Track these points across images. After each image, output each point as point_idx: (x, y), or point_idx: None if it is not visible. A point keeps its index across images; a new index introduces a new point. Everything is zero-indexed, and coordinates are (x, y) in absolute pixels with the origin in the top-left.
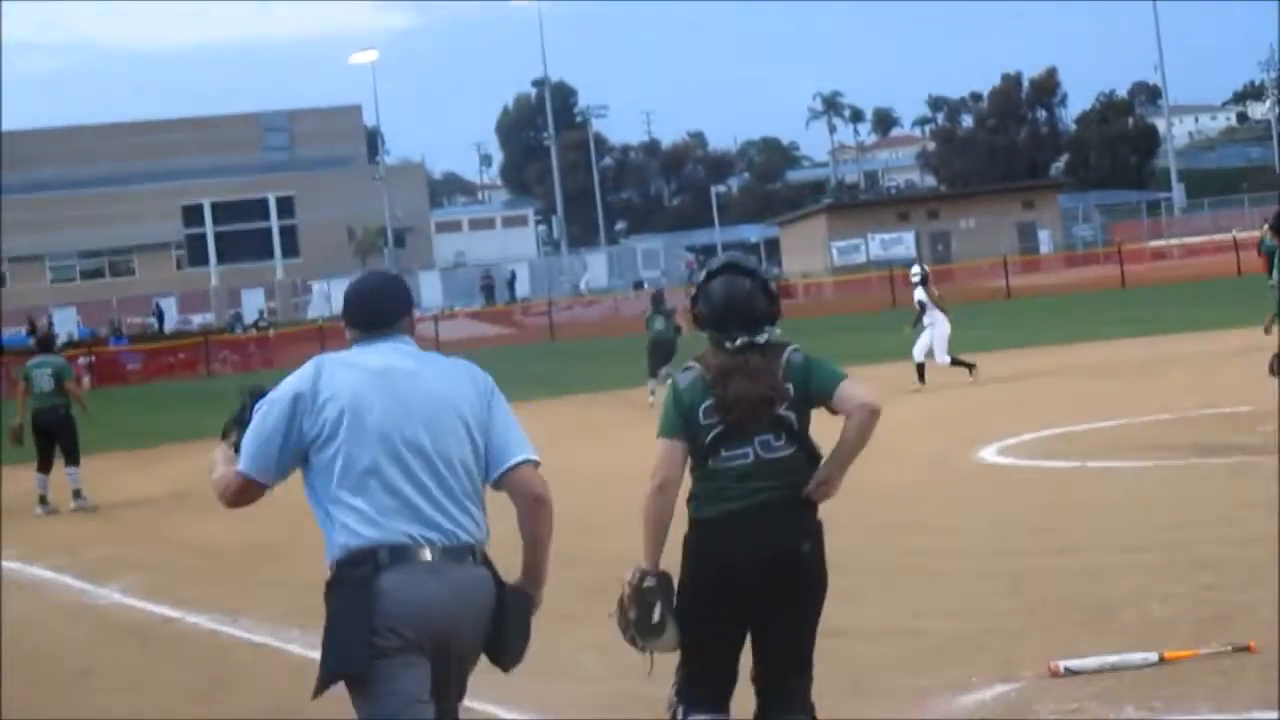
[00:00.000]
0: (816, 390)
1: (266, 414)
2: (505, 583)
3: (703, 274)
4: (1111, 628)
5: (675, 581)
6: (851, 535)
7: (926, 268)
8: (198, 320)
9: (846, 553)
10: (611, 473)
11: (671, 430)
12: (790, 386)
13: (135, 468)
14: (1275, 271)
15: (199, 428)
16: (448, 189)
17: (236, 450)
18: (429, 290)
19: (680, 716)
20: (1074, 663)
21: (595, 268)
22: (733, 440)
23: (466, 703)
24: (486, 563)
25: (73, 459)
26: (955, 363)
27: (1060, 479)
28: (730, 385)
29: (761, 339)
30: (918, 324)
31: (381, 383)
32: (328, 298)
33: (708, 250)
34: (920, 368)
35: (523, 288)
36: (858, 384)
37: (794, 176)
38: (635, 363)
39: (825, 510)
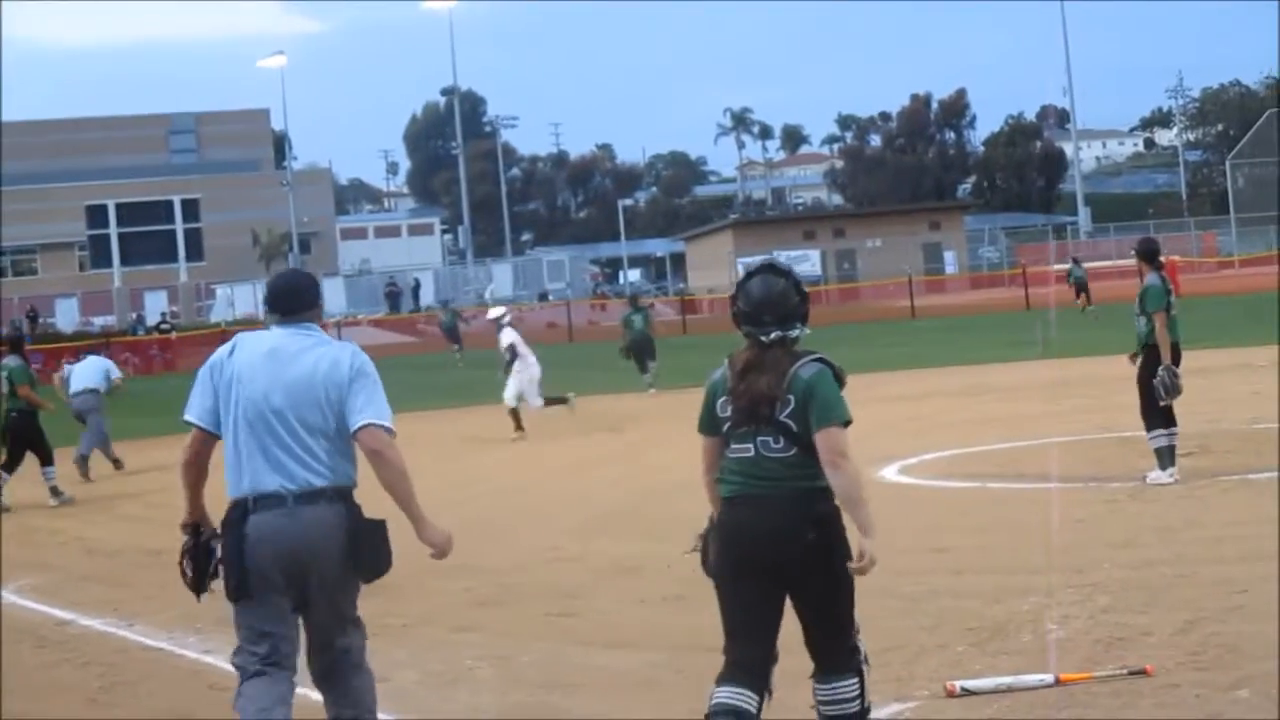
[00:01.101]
0: (811, 417)
1: (201, 377)
2: (363, 516)
3: (743, 275)
4: (1008, 648)
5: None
6: None
7: (508, 311)
8: (100, 322)
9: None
10: (514, 483)
11: (701, 426)
12: (791, 398)
13: (30, 470)
14: (1139, 303)
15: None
16: (354, 195)
17: None
18: (333, 296)
19: (710, 693)
20: (970, 683)
21: (501, 278)
22: (740, 433)
23: None
24: (344, 501)
25: (46, 459)
26: (549, 402)
27: (959, 499)
28: (744, 379)
29: (794, 333)
30: (507, 369)
31: (264, 361)
32: (231, 302)
33: (613, 263)
34: (514, 413)
35: (427, 296)
36: (837, 439)
37: (702, 192)
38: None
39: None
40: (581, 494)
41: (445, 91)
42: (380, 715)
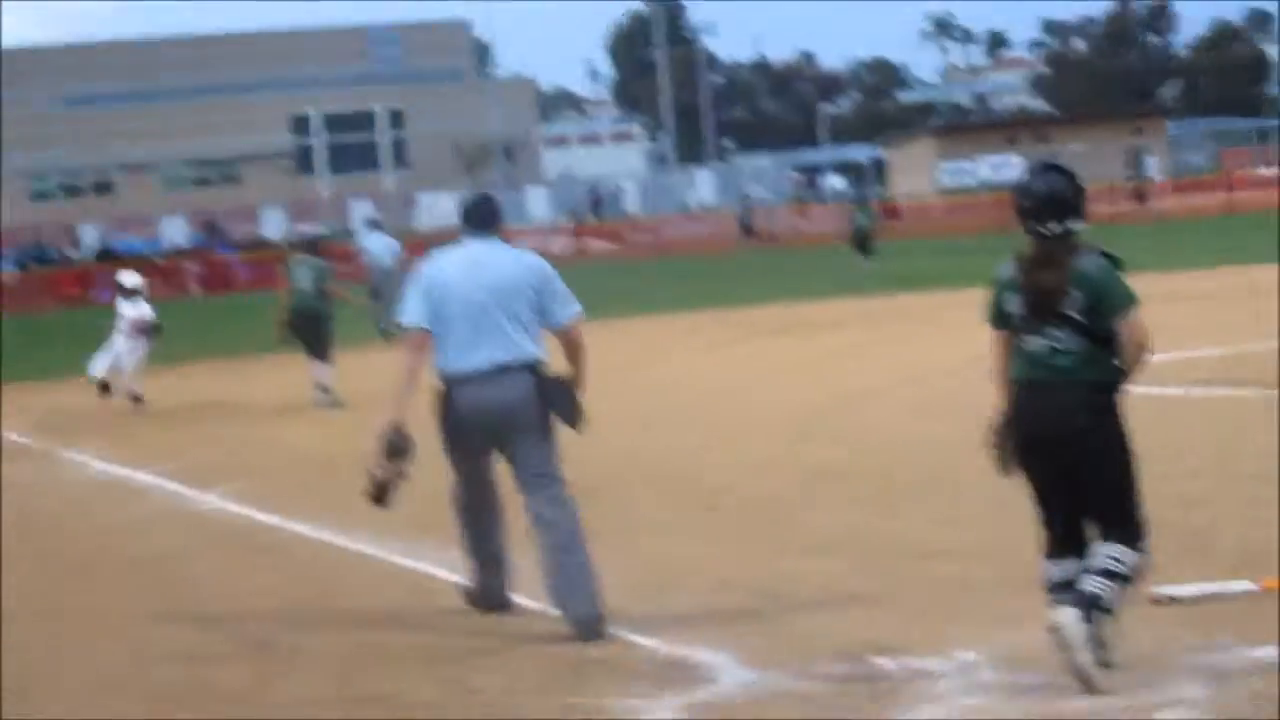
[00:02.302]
0: (1104, 310)
1: (415, 288)
2: (550, 379)
3: (1026, 174)
4: (1210, 555)
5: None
6: (955, 454)
7: (139, 279)
8: (307, 230)
9: (945, 471)
10: (715, 389)
11: (991, 320)
12: (1079, 294)
13: (241, 376)
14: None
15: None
16: (557, 104)
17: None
18: (536, 205)
19: (1041, 569)
20: (1174, 590)
21: (703, 185)
22: (1030, 328)
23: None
24: (534, 372)
25: (323, 357)
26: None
27: (1162, 406)
28: (1031, 274)
29: (1075, 227)
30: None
31: (465, 266)
32: (435, 210)
33: (814, 169)
34: (105, 385)
35: (630, 204)
36: (1136, 322)
37: (903, 97)
38: (739, 280)
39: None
40: (778, 401)
41: None
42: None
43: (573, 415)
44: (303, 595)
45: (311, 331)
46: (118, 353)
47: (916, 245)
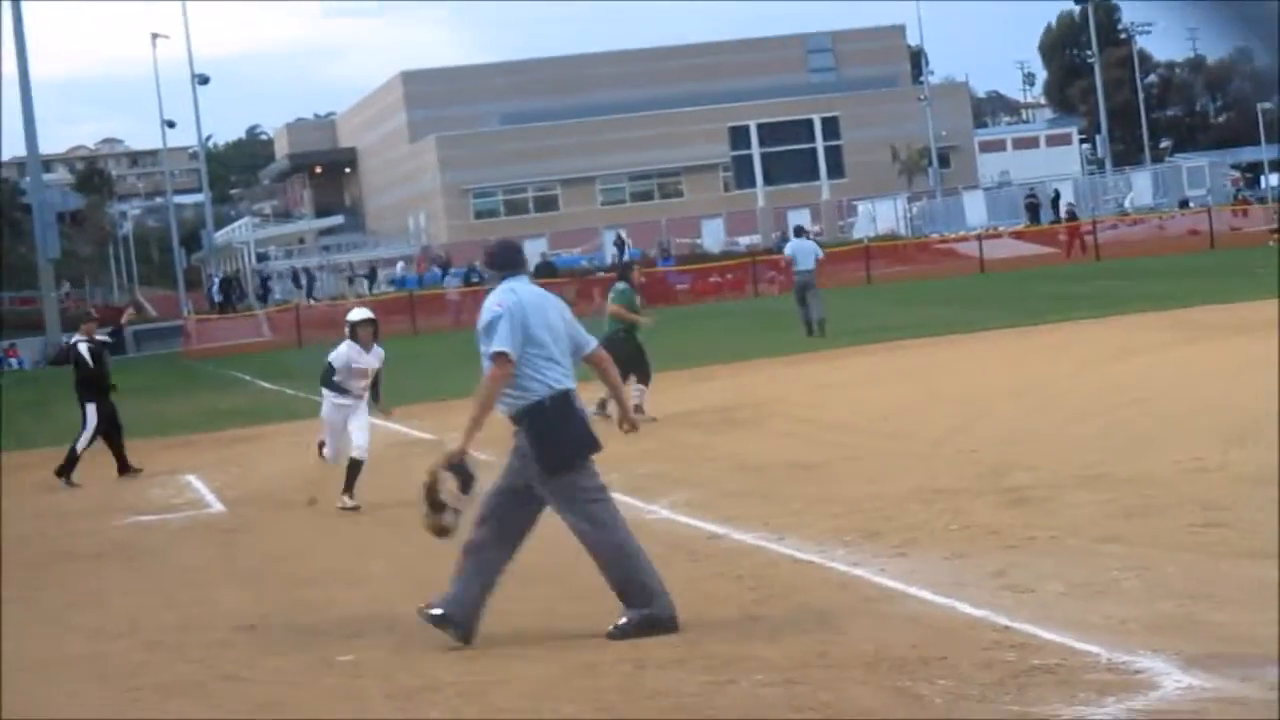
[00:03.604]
0: None
1: (508, 319)
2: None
3: None
4: None
5: None
6: None
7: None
8: (745, 241)
9: None
10: (1155, 391)
11: None
12: None
13: (683, 386)
14: None
15: (746, 348)
16: (991, 108)
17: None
18: (973, 210)
19: None
20: None
21: (1140, 186)
22: None
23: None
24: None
25: (641, 378)
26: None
27: None
28: None
29: None
30: None
31: (540, 302)
32: (873, 218)
33: (1253, 168)
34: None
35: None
36: None
37: None
38: (1181, 281)
39: None
40: (1224, 401)
41: (1078, 0)
42: (1024, 625)
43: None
44: (747, 603)
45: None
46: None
47: None
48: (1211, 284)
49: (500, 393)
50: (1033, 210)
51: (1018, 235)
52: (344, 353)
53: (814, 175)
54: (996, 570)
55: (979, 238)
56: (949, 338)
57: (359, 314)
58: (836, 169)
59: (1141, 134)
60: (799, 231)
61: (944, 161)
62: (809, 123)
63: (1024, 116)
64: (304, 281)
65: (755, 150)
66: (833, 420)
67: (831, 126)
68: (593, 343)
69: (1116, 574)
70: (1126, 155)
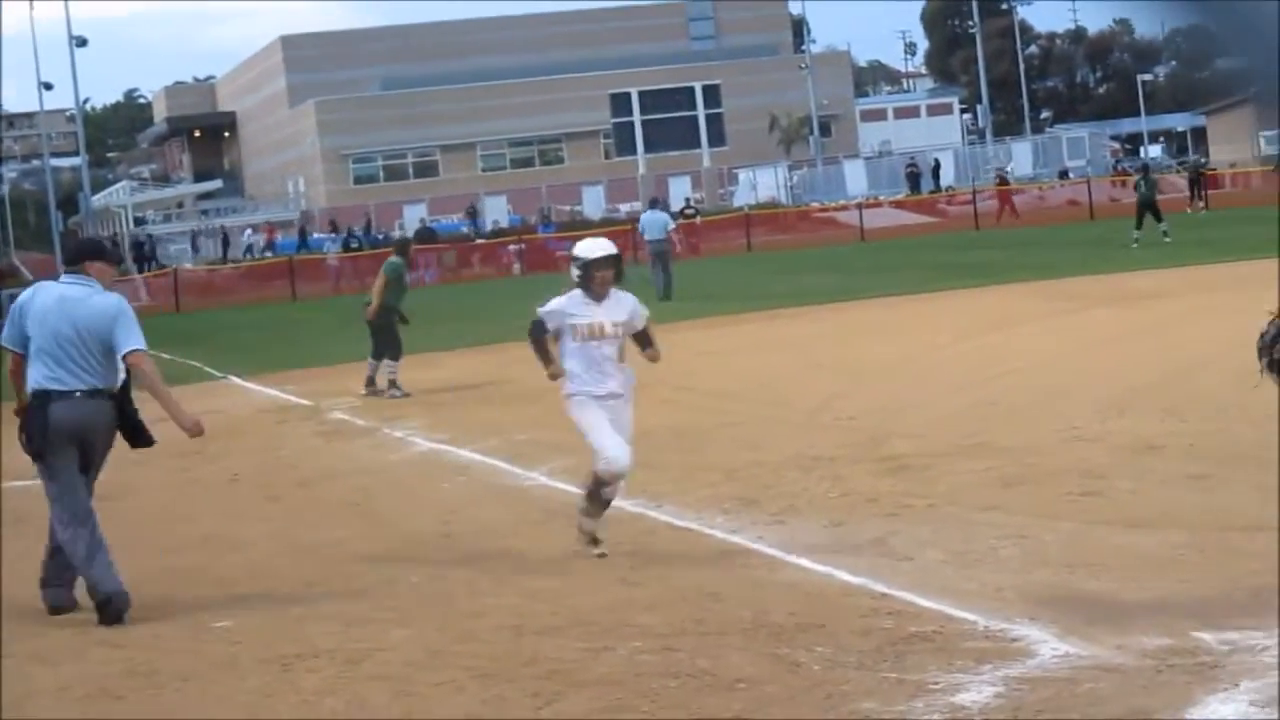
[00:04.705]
0: None
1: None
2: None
3: None
4: None
5: None
6: None
7: None
8: (625, 208)
9: (1272, 448)
10: (1034, 362)
11: None
12: None
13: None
14: None
15: None
16: (872, 77)
17: None
18: (853, 179)
19: None
20: None
21: (1020, 156)
22: None
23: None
24: (112, 397)
25: (382, 354)
26: None
27: None
28: None
29: None
30: None
31: (56, 303)
32: (754, 186)
33: (1133, 139)
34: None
35: (947, 176)
36: None
37: (1223, 65)
38: (1061, 252)
39: None
40: (1102, 372)
41: None
42: (902, 593)
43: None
44: (625, 570)
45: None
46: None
47: (1236, 215)
48: (1090, 254)
49: (21, 384)
50: (913, 179)
51: (898, 204)
52: (558, 304)
53: (695, 143)
54: (875, 538)
55: (859, 206)
56: (829, 306)
57: (595, 247)
58: (718, 137)
59: (1022, 104)
60: (653, 203)
61: (825, 130)
62: (690, 90)
63: (905, 86)
64: (207, 246)
65: (637, 117)
66: (712, 388)
67: (713, 94)
68: (129, 346)
69: (994, 542)
70: (1007, 125)
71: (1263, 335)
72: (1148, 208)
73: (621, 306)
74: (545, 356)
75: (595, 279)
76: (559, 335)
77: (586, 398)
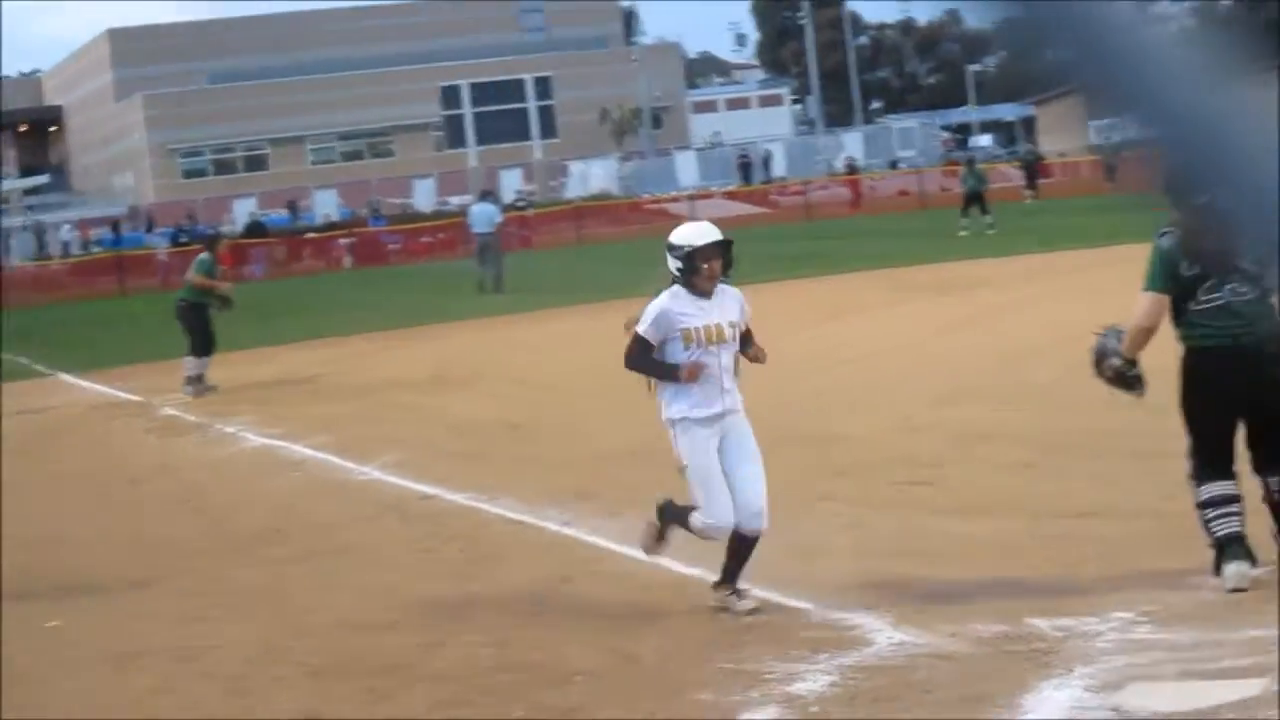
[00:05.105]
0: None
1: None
2: None
3: None
4: None
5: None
6: (1111, 417)
7: None
8: (456, 201)
9: (1103, 436)
10: (867, 352)
11: (1157, 285)
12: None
13: (395, 348)
14: None
15: (457, 309)
16: (703, 69)
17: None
18: (685, 170)
19: (1200, 491)
20: None
21: (851, 147)
22: (1209, 285)
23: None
24: None
25: (199, 350)
26: None
27: None
28: (1200, 240)
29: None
30: None
31: None
32: (585, 178)
33: (963, 129)
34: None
35: (778, 167)
36: None
37: (1054, 55)
38: (896, 241)
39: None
40: (934, 361)
41: None
42: (739, 584)
43: None
44: (460, 563)
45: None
46: None
47: (1065, 204)
48: (923, 244)
49: None
50: (745, 170)
51: (730, 195)
52: (660, 309)
53: (526, 135)
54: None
55: (691, 198)
56: None
57: (700, 233)
58: (549, 129)
59: (852, 95)
60: (484, 195)
61: (656, 122)
62: (521, 83)
63: (736, 78)
64: (23, 242)
65: (468, 110)
66: (543, 381)
67: (544, 86)
68: None
69: (828, 531)
70: (838, 116)
71: (1093, 350)
72: (975, 199)
73: (733, 302)
74: (664, 366)
75: (702, 272)
76: (661, 350)
77: (696, 425)
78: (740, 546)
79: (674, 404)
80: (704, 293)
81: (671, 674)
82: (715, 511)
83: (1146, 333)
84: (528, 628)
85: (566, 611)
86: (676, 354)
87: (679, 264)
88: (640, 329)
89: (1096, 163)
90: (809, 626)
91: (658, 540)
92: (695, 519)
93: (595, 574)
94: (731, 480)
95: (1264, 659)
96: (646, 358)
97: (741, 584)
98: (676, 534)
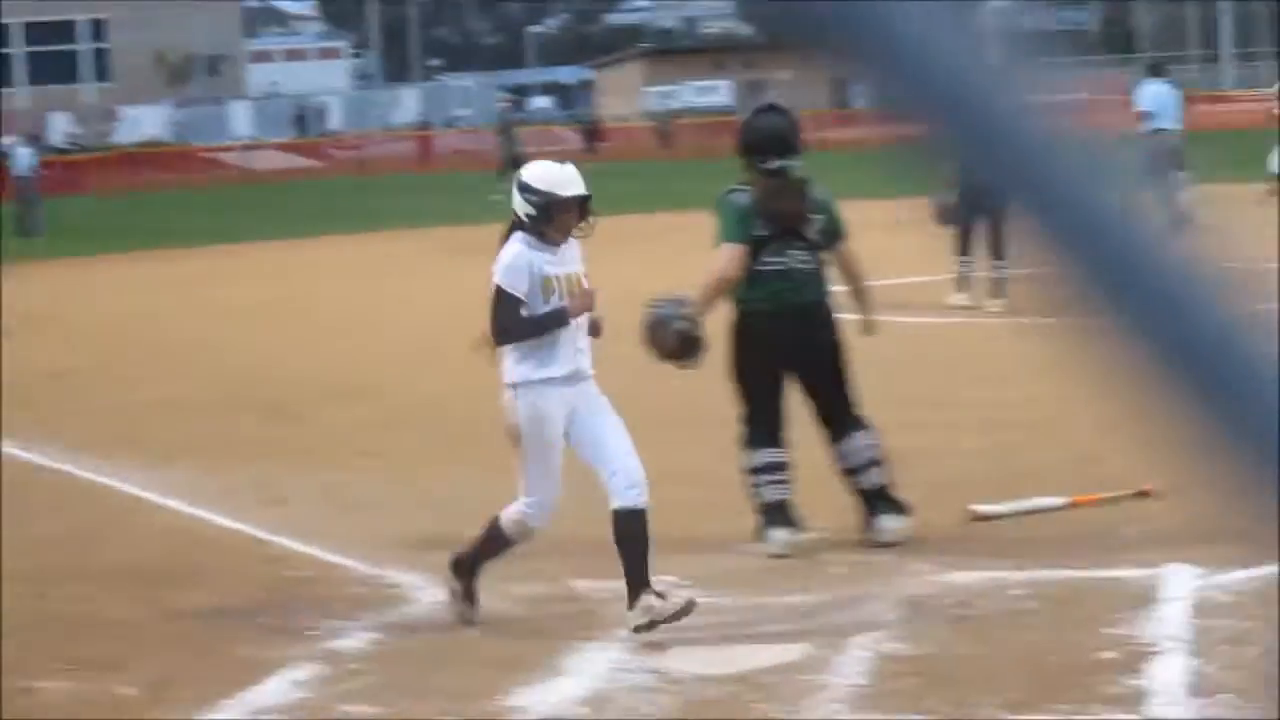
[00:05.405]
0: (831, 230)
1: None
2: None
3: (750, 113)
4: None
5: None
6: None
7: None
8: (6, 142)
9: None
10: (417, 309)
11: (735, 237)
12: (819, 219)
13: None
14: None
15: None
16: (262, 19)
17: None
18: (239, 120)
19: (750, 457)
20: (989, 508)
21: (408, 104)
22: (773, 248)
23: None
24: None
25: None
26: None
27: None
28: (773, 201)
29: (795, 162)
30: None
31: None
32: (137, 124)
33: (521, 90)
34: None
35: (334, 121)
36: (851, 250)
37: (613, 19)
38: (446, 198)
39: None
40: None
41: None
42: (279, 539)
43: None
44: None
45: None
46: None
47: (623, 168)
48: (475, 203)
49: None
50: (300, 123)
51: (284, 147)
52: (522, 258)
53: (78, 78)
54: (252, 482)
55: (244, 148)
56: (211, 248)
57: (562, 179)
58: (102, 72)
59: (412, 52)
60: (32, 139)
61: (213, 70)
62: (72, 24)
63: (295, 29)
64: None
65: (19, 49)
66: (87, 327)
67: (99, 28)
68: None
69: (372, 488)
70: (397, 73)
71: (647, 321)
72: (511, 161)
73: (575, 251)
74: (544, 317)
75: (556, 224)
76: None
77: (544, 387)
78: (629, 531)
79: (520, 365)
80: (554, 243)
81: (212, 628)
82: (541, 490)
83: (729, 283)
84: (68, 581)
85: (107, 564)
86: (536, 308)
87: (531, 210)
88: (503, 283)
89: (652, 128)
90: (351, 583)
91: (467, 601)
92: (508, 514)
93: (136, 526)
94: (603, 452)
95: (803, 624)
96: (518, 316)
97: (657, 586)
98: (215, 489)
